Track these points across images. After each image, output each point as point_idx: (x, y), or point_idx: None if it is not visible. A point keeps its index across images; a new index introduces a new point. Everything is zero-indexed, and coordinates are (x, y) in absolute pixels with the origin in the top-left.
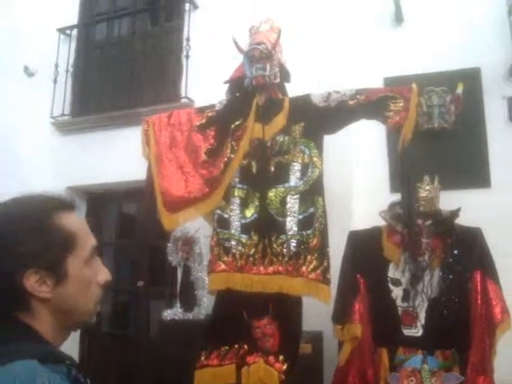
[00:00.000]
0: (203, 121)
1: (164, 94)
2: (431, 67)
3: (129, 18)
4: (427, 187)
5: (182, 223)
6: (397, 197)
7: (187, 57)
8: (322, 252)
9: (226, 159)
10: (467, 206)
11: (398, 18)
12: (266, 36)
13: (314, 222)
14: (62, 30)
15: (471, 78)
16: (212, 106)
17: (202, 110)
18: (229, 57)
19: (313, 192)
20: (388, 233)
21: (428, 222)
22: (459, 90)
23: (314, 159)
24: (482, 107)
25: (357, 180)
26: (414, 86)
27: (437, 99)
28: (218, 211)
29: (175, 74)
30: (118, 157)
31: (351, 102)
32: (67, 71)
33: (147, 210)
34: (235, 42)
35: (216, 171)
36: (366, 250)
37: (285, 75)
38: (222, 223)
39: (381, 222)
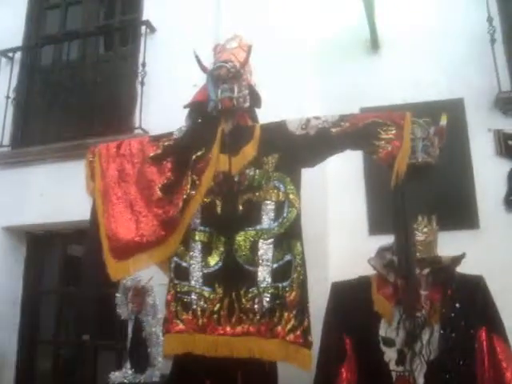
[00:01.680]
0: (159, 151)
1: (116, 124)
2: (411, 97)
3: (79, 41)
4: (425, 229)
5: (132, 272)
6: (376, 240)
7: (142, 84)
8: (302, 308)
9: (185, 196)
10: (454, 250)
11: (374, 44)
12: (234, 54)
13: (291, 272)
14: (3, 53)
15: (454, 109)
16: (169, 134)
17: (157, 139)
18: (189, 84)
19: (289, 236)
20: (378, 284)
21: (426, 271)
22: (443, 121)
23: (291, 197)
24: (467, 140)
25: (331, 221)
26: (407, 112)
27: (420, 131)
28: (176, 259)
29: (129, 103)
30: (62, 193)
31: (334, 130)
32: (7, 97)
33: (90, 256)
34: (197, 58)
35: (173, 210)
36: (352, 305)
37: (255, 99)
38: (181, 273)
39: (361, 270)
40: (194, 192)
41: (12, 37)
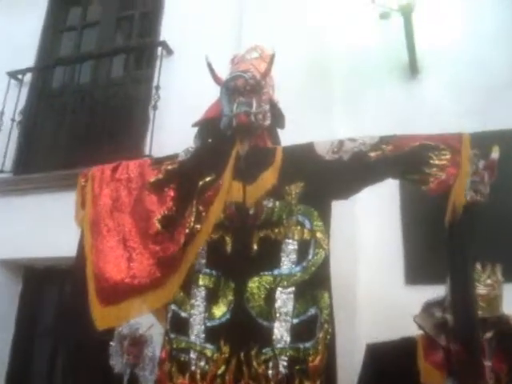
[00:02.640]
0: (160, 176)
1: (125, 151)
2: (456, 127)
3: (92, 63)
4: (488, 281)
5: (123, 320)
6: (415, 291)
7: (155, 108)
8: (329, 377)
9: (188, 231)
10: None
11: (413, 68)
12: (254, 64)
13: (315, 331)
14: (12, 74)
15: (507, 141)
16: (174, 157)
17: (159, 162)
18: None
19: (315, 284)
20: (426, 348)
21: (489, 334)
22: (495, 154)
23: (318, 235)
24: None
25: (361, 265)
26: (464, 133)
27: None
28: (174, 307)
29: (139, 129)
30: (64, 225)
31: (373, 154)
32: (13, 120)
33: (74, 299)
34: (210, 67)
35: (174, 248)
36: (392, 375)
37: (277, 118)
38: (179, 325)
39: (397, 327)
40: (199, 226)
41: (22, 58)
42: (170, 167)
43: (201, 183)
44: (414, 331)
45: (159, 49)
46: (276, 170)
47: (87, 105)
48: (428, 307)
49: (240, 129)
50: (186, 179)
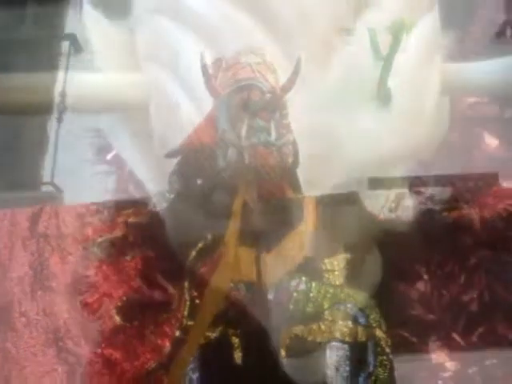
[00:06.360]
0: (118, 233)
1: (15, 177)
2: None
3: None
4: None
5: None
6: None
7: (59, 120)
8: None
9: (178, 334)
10: None
11: (384, 95)
12: (260, 71)
13: None
14: None
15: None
16: (138, 203)
17: (116, 209)
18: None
19: None
20: None
21: None
22: None
23: (378, 334)
24: None
25: None
26: None
27: None
28: None
29: (35, 146)
30: None
31: (448, 215)
32: None
33: None
34: (204, 69)
35: (146, 359)
36: None
37: (295, 155)
38: None
39: None
40: (191, 322)
41: None
42: (132, 220)
43: (193, 254)
44: None
45: (65, 44)
46: (308, 233)
47: None
48: None
49: (255, 168)
50: (166, 244)
